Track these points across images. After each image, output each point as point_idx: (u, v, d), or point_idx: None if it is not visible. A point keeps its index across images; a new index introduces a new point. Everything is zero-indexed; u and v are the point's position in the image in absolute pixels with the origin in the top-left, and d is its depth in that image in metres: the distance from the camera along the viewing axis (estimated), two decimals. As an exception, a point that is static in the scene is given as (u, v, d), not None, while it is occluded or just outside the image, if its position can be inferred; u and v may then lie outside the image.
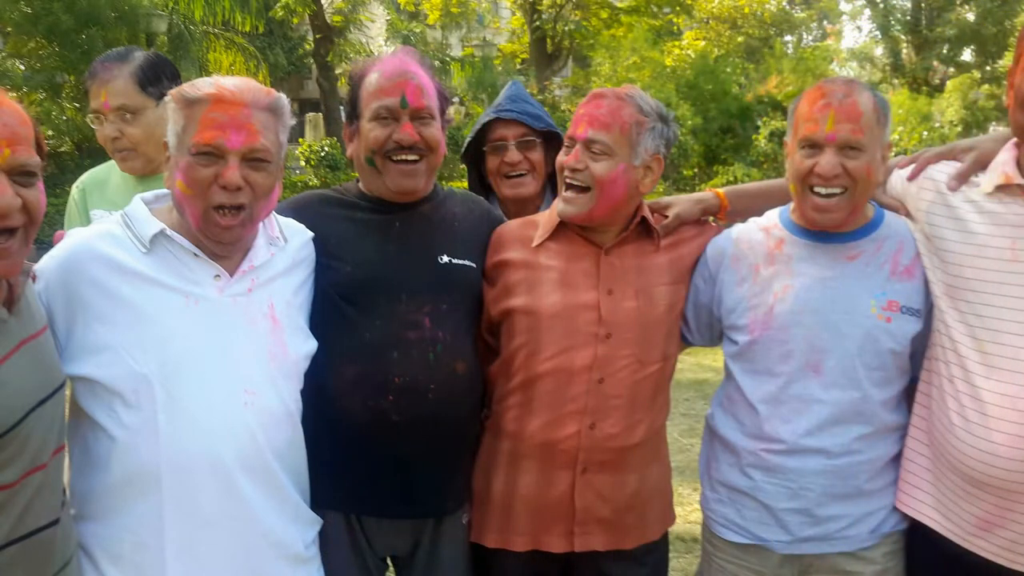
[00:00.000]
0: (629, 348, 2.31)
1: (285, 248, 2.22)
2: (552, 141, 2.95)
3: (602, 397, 2.29)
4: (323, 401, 2.26)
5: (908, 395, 2.32)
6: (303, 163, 20.24)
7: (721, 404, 2.41)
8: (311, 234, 2.33)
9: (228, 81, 1.99)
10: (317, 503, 2.27)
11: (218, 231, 1.98)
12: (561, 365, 2.30)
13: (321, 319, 2.30)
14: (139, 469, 1.94)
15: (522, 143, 2.92)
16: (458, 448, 2.40)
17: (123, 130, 2.78)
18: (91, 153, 18.29)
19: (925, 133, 19.29)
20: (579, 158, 2.29)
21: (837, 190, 2.14)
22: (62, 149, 18.44)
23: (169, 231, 2.01)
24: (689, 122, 19.27)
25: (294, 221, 2.32)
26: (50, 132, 19.08)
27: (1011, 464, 1.95)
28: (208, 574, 2.00)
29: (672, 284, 2.39)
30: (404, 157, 2.32)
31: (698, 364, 8.37)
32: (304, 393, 2.24)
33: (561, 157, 2.39)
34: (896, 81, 32.01)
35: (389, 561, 2.54)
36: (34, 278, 1.93)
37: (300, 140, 22.76)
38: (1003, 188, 2.05)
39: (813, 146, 2.13)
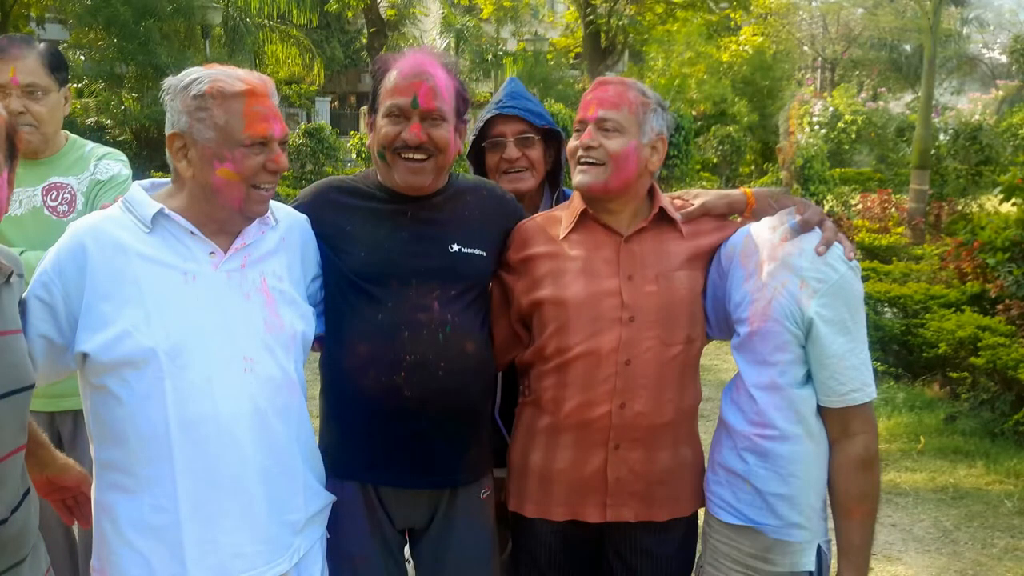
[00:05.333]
0: (652, 330, 2.41)
1: (276, 228, 2.31)
2: (552, 139, 3.03)
3: (630, 378, 2.40)
4: (340, 377, 2.43)
5: None
6: (354, 156, 20.40)
7: (729, 393, 2.49)
8: (304, 217, 2.45)
9: (242, 73, 2.12)
10: (337, 474, 2.41)
11: (259, 206, 2.16)
12: (590, 349, 2.40)
13: (339, 300, 2.43)
14: (150, 432, 2.03)
15: (521, 140, 2.96)
16: (469, 422, 2.49)
17: (29, 107, 2.90)
18: (149, 142, 18.69)
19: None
20: (593, 136, 2.42)
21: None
22: (122, 138, 18.84)
23: (168, 211, 2.12)
24: (745, 119, 19.02)
25: (284, 205, 2.43)
26: (108, 121, 19.53)
27: None
28: (220, 534, 2.09)
29: (691, 269, 2.49)
30: (412, 155, 2.41)
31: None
32: (323, 369, 2.49)
33: (572, 143, 2.48)
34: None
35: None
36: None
37: (352, 132, 22.92)
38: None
39: None
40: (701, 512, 2.60)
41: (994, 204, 14.03)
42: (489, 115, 2.99)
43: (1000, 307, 7.55)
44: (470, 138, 3.02)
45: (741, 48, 24.36)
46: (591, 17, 23.94)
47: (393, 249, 2.43)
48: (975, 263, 8.28)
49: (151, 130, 18.61)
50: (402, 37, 26.64)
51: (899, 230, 14.72)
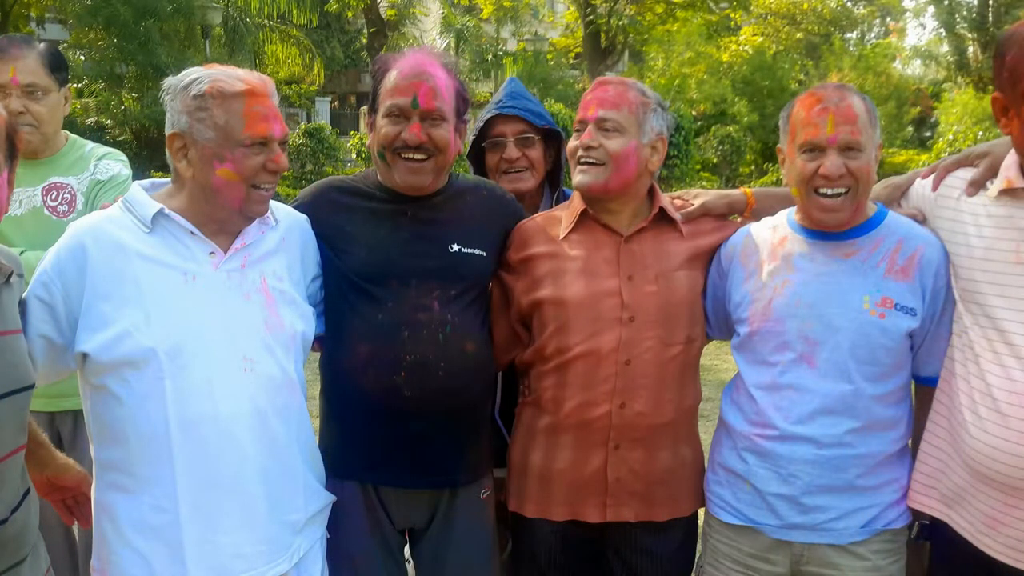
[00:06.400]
0: (652, 330, 2.41)
1: (276, 228, 2.31)
2: (552, 139, 3.03)
3: (630, 378, 2.40)
4: (340, 377, 2.44)
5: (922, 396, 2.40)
6: (354, 156, 20.40)
7: (730, 393, 2.50)
8: (304, 217, 2.45)
9: (242, 73, 2.12)
10: (337, 474, 2.42)
11: (259, 206, 2.15)
12: (590, 349, 2.41)
13: (339, 300, 2.43)
14: (150, 432, 2.04)
15: (521, 140, 2.96)
16: (469, 423, 2.50)
17: (29, 107, 2.90)
18: (149, 142, 18.69)
19: (980, 134, 18.72)
20: (593, 136, 2.41)
21: (842, 190, 2.22)
22: (122, 138, 18.84)
23: (168, 211, 2.12)
24: (745, 119, 18.99)
25: (284, 205, 2.44)
26: (108, 121, 19.53)
27: (1018, 461, 2.02)
28: (220, 534, 2.10)
29: (691, 269, 2.50)
30: (411, 156, 2.41)
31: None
32: (323, 369, 2.50)
33: (572, 143, 2.49)
34: (961, 80, 31.22)
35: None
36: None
37: (352, 132, 22.91)
38: (1007, 192, 2.11)
39: (814, 149, 2.22)
40: (701, 512, 2.60)
41: None
42: (489, 115, 2.99)
43: None
44: (470, 138, 3.02)
45: (741, 48, 24.37)
46: (591, 17, 24.00)
47: (393, 249, 2.43)
48: None
49: (151, 130, 18.62)
50: (402, 37, 26.66)
51: None
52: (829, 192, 2.22)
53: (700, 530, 2.62)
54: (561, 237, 2.51)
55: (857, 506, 2.29)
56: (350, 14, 27.99)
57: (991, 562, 2.12)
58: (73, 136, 3.11)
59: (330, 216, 2.47)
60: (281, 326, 2.20)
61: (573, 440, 2.47)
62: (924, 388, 2.38)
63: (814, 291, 2.29)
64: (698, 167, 18.87)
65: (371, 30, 25.89)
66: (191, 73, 2.10)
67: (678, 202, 2.57)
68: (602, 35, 24.49)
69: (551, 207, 2.90)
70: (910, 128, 26.24)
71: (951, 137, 20.27)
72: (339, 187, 2.57)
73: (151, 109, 17.92)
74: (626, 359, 2.40)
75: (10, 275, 1.93)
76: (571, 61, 31.22)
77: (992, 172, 2.18)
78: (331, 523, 2.41)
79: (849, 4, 37.19)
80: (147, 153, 18.09)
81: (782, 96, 20.59)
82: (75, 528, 2.78)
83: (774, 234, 2.42)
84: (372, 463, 2.43)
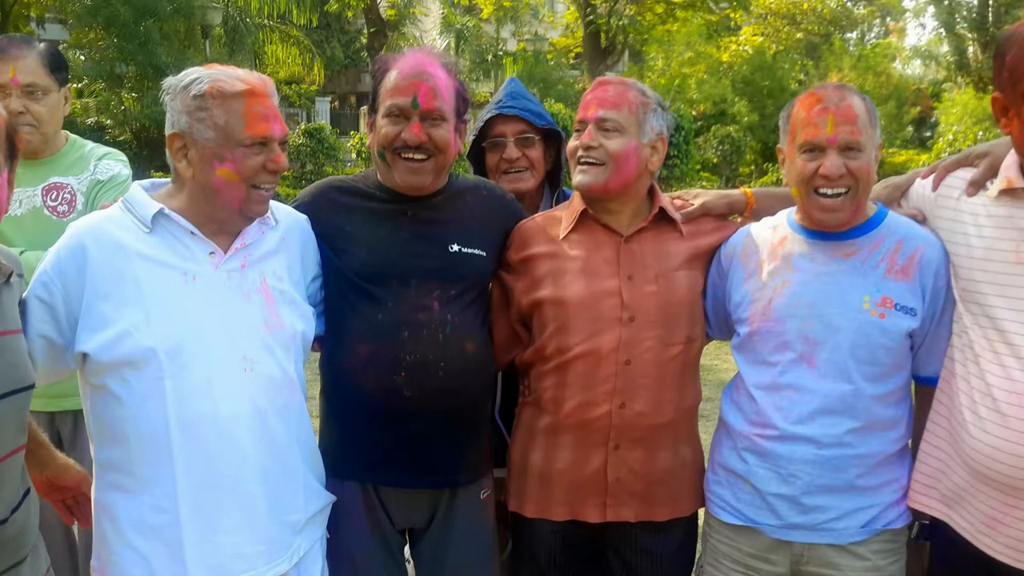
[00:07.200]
0: (652, 330, 2.42)
1: (276, 228, 2.31)
2: (552, 139, 3.03)
3: (630, 378, 2.41)
4: (340, 377, 2.44)
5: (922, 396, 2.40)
6: (354, 156, 20.40)
7: (730, 393, 2.50)
8: (304, 217, 2.45)
9: (242, 73, 2.12)
10: (337, 474, 2.42)
11: (259, 206, 2.16)
12: (590, 349, 2.41)
13: (339, 300, 2.44)
14: (150, 432, 2.04)
15: (521, 140, 2.95)
16: (469, 423, 2.50)
17: (29, 107, 2.90)
18: (149, 142, 18.69)
19: (980, 134, 18.71)
20: (593, 136, 2.42)
21: (842, 190, 2.22)
22: (122, 138, 18.85)
23: (168, 211, 2.12)
24: (745, 119, 18.98)
25: (284, 205, 2.44)
26: (108, 121, 19.54)
27: (1018, 461, 2.02)
28: (220, 534, 2.10)
29: (691, 269, 2.50)
30: (412, 155, 2.41)
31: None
32: (323, 369, 2.51)
33: (572, 143, 2.49)
34: (960, 80, 31.25)
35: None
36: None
37: (352, 132, 22.91)
38: (1007, 192, 2.12)
39: (814, 149, 2.22)
40: (701, 512, 2.60)
41: None
42: (489, 115, 2.99)
43: None
44: (470, 138, 3.02)
45: (741, 48, 24.39)
46: (591, 17, 24.03)
47: (393, 249, 2.43)
48: None
49: (151, 130, 18.63)
50: (402, 37, 26.71)
51: None
52: (829, 192, 2.22)
53: (700, 530, 2.62)
54: (561, 237, 2.51)
55: (857, 506, 2.29)
56: (350, 14, 28.04)
57: (991, 562, 2.12)
58: (73, 136, 3.11)
59: (330, 216, 2.47)
60: (281, 326, 2.20)
61: (573, 440, 2.47)
62: (924, 388, 2.38)
63: (814, 291, 2.29)
64: (698, 167, 18.88)
65: (371, 30, 25.92)
66: (191, 73, 2.10)
67: (678, 202, 2.57)
68: (602, 35, 24.53)
69: (551, 207, 2.90)
70: (910, 128, 26.26)
71: (951, 137, 20.26)
72: (339, 187, 2.57)
73: (151, 109, 17.92)
74: (626, 359, 2.40)
75: (10, 275, 1.93)
76: (571, 61, 31.31)
77: (992, 172, 2.18)
78: (331, 523, 2.41)
79: (849, 4, 37.23)
80: (147, 153, 18.10)
81: (782, 96, 20.60)
82: (75, 528, 2.78)
83: (774, 234, 2.42)
84: (372, 463, 2.43)
